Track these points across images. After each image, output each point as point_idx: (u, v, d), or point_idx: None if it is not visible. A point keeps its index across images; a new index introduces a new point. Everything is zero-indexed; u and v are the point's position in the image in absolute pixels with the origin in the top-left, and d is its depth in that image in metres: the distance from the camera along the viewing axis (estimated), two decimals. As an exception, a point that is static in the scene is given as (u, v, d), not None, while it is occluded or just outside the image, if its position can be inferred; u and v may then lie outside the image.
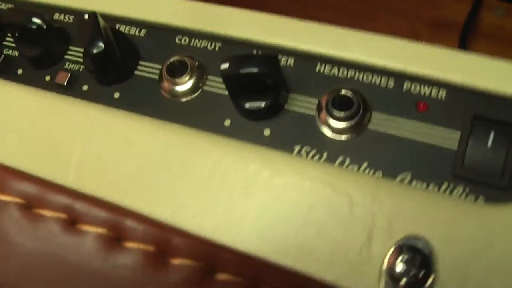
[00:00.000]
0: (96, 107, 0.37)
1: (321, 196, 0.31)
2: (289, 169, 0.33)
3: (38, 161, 0.34)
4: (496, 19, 0.78)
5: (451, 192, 0.32)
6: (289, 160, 0.33)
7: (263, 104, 0.35)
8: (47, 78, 0.41)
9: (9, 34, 0.43)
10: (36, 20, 0.38)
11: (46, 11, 0.43)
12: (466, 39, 0.75)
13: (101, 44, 0.36)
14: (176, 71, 0.37)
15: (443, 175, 0.33)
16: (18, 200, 0.30)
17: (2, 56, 0.41)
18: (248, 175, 0.33)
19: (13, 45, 0.42)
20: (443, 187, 0.32)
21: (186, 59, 0.37)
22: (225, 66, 0.34)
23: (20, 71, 0.41)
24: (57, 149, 0.35)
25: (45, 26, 0.39)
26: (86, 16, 0.37)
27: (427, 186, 0.33)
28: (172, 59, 0.38)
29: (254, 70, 0.33)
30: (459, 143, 0.33)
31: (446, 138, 0.34)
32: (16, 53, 0.42)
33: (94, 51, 0.36)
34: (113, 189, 0.33)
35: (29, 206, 0.30)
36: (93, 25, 0.37)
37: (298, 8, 0.83)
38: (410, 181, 0.33)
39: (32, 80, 0.41)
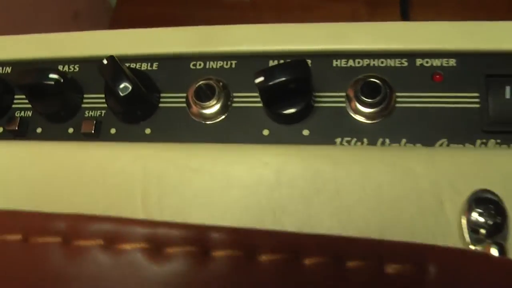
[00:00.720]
0: (136, 146, 0.38)
1: (386, 175, 0.34)
2: (346, 160, 0.35)
3: (106, 211, 0.35)
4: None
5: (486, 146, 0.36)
6: (340, 151, 0.36)
7: (297, 108, 0.37)
8: (70, 130, 0.41)
9: (16, 96, 0.42)
10: (53, 76, 0.39)
11: (49, 65, 0.43)
12: (407, 11, 0.80)
13: (128, 85, 0.37)
14: (203, 95, 0.39)
15: (474, 133, 0.36)
16: (98, 241, 0.30)
17: (18, 120, 0.41)
18: (311, 175, 0.35)
19: (23, 106, 0.42)
20: (478, 144, 0.36)
21: (211, 82, 0.39)
22: (260, 79, 0.36)
23: (39, 130, 0.41)
24: (120, 196, 0.36)
25: (62, 80, 0.39)
26: (105, 61, 0.38)
27: (463, 147, 0.36)
28: (197, 84, 0.39)
29: (289, 77, 0.36)
30: (480, 102, 0.37)
31: (467, 100, 0.37)
32: (29, 113, 0.42)
33: (123, 94, 0.37)
34: (189, 213, 0.34)
35: (108, 244, 0.30)
36: (114, 68, 0.38)
37: (240, 14, 0.86)
38: (448, 146, 0.36)
39: (56, 135, 0.41)
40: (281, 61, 0.40)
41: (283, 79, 0.36)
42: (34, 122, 0.42)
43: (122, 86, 0.37)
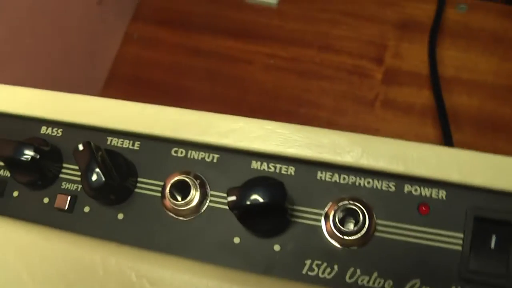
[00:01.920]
0: (100, 244, 0.37)
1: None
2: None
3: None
4: (459, 15, 0.79)
5: (460, 296, 0.34)
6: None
7: (272, 225, 0.36)
8: (46, 200, 0.40)
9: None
10: (28, 152, 0.38)
11: (32, 126, 0.42)
12: (435, 40, 0.76)
13: (101, 178, 0.36)
14: (178, 192, 0.38)
15: (450, 278, 0.35)
16: None
17: (-5, 180, 0.41)
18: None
19: (2, 164, 0.42)
20: (450, 292, 0.34)
21: (187, 179, 0.38)
22: (232, 198, 0.34)
23: (16, 193, 0.41)
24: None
25: (38, 157, 0.38)
26: (80, 147, 0.37)
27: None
28: (172, 181, 0.38)
29: (262, 200, 0.34)
30: (463, 245, 0.35)
31: (450, 240, 0.35)
32: (8, 173, 0.41)
33: (94, 186, 0.36)
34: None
35: None
36: (89, 157, 0.37)
37: (263, 22, 0.83)
38: (419, 288, 0.35)
39: (31, 203, 0.40)
40: (263, 164, 0.38)
41: (257, 202, 0.34)
42: (12, 184, 0.41)
43: (94, 177, 0.36)
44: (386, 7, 0.79)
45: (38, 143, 0.39)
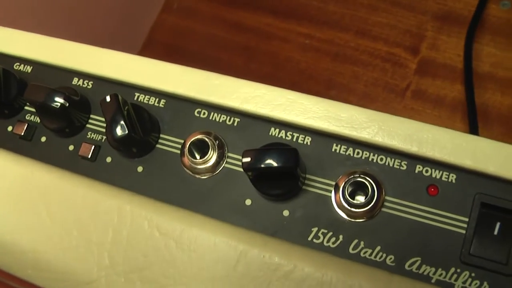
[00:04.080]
0: (119, 193, 0.39)
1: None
2: (305, 261, 0.35)
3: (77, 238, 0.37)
4: (501, 12, 0.78)
5: (457, 278, 0.35)
6: (306, 253, 0.36)
7: (283, 189, 0.37)
8: (71, 147, 0.42)
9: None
10: (59, 99, 0.39)
11: (65, 76, 0.44)
12: (473, 34, 0.75)
13: (125, 129, 0.38)
14: (197, 150, 0.39)
15: (451, 260, 0.35)
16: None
17: (26, 126, 0.43)
18: (269, 268, 0.35)
19: (33, 110, 0.44)
20: (450, 272, 0.35)
21: (207, 139, 0.39)
22: (247, 160, 0.35)
23: (43, 139, 0.43)
24: (91, 231, 0.37)
25: (67, 104, 0.40)
26: (108, 98, 0.38)
27: (435, 271, 0.35)
28: (193, 139, 0.39)
29: (275, 164, 0.35)
30: (467, 229, 0.36)
31: (455, 223, 0.36)
32: (38, 119, 0.43)
33: (118, 136, 0.38)
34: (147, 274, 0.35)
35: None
36: (115, 108, 0.38)
37: (302, 2, 0.83)
38: (419, 266, 0.35)
39: (57, 149, 0.42)
40: (281, 132, 0.39)
41: (270, 165, 0.35)
42: (41, 130, 0.43)
43: (118, 128, 0.38)
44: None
45: (68, 92, 0.41)
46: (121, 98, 0.39)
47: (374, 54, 0.79)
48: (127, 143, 0.39)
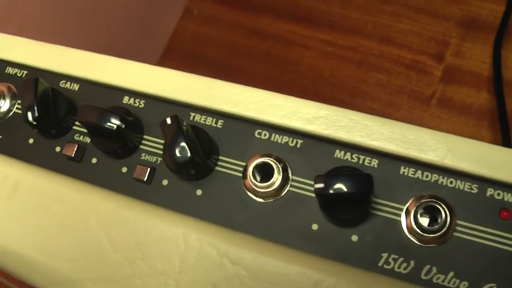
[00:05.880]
0: (182, 219, 0.38)
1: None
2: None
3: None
4: (526, 19, 0.78)
5: (534, 305, 0.34)
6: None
7: (354, 214, 0.36)
8: (124, 169, 0.41)
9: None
10: (115, 121, 0.38)
11: (114, 95, 0.42)
12: (501, 41, 0.74)
13: (187, 153, 0.36)
14: (261, 173, 0.38)
15: (528, 286, 0.35)
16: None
17: (76, 147, 0.41)
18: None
19: (83, 130, 0.42)
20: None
21: (271, 162, 0.38)
22: (319, 185, 0.34)
23: (94, 160, 0.41)
24: (156, 262, 0.36)
25: (124, 126, 0.38)
26: (168, 120, 0.37)
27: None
28: (257, 161, 0.38)
29: (350, 190, 0.34)
30: (543, 254, 0.35)
31: (530, 248, 0.35)
32: (88, 139, 0.42)
33: (180, 160, 0.36)
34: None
35: None
36: (176, 130, 0.37)
37: (324, 8, 0.82)
38: (496, 292, 0.35)
39: (109, 171, 0.41)
40: (347, 154, 0.38)
41: (344, 192, 0.34)
42: (91, 151, 0.42)
43: (180, 152, 0.37)
44: (452, 4, 0.78)
45: (122, 113, 0.39)
46: (181, 119, 0.37)
47: (399, 62, 0.79)
48: (188, 166, 0.37)
